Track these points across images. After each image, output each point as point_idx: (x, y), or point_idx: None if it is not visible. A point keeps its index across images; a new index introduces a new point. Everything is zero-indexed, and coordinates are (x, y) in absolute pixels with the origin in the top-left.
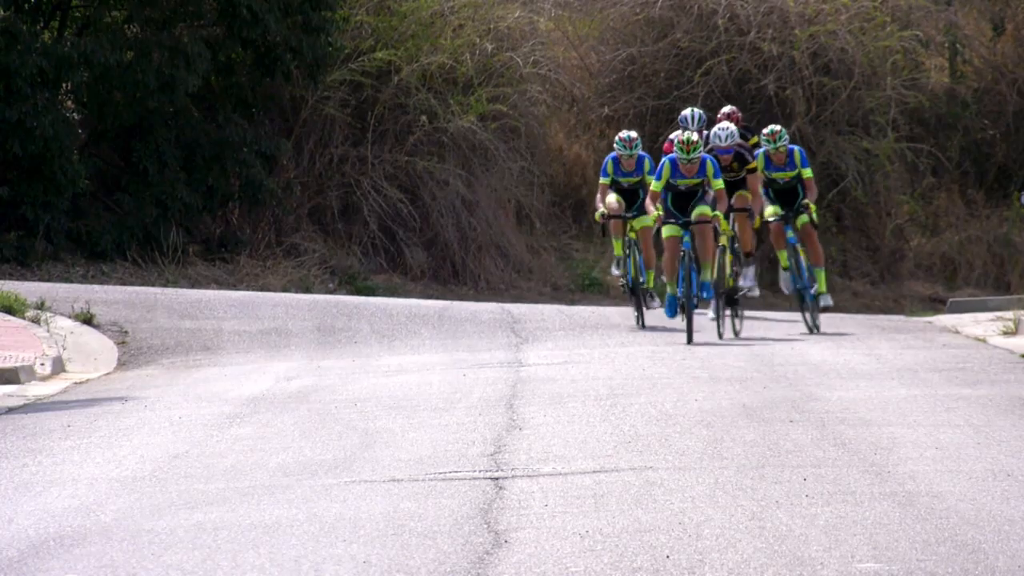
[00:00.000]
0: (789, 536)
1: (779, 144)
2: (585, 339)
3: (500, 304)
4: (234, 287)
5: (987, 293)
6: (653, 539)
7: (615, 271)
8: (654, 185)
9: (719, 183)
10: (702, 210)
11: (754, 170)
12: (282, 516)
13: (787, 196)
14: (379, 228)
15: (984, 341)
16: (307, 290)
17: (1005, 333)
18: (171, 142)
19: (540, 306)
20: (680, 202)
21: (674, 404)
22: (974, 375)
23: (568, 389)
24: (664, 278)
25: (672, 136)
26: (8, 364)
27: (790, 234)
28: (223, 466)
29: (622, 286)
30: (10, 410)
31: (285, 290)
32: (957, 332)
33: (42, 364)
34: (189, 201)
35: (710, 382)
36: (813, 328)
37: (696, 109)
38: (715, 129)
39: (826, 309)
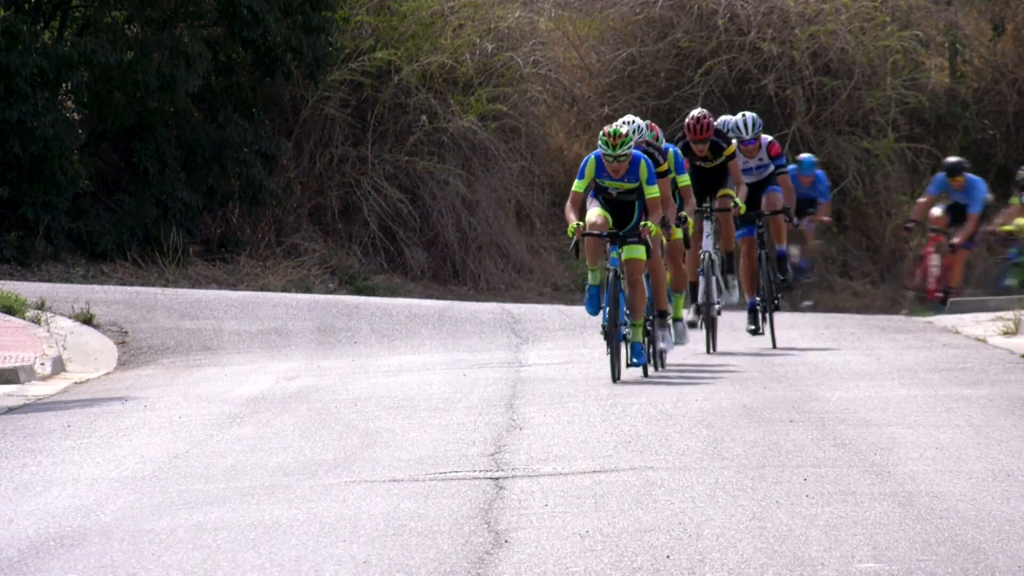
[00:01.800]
0: (789, 536)
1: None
2: (585, 339)
3: (500, 304)
4: (234, 287)
5: (987, 293)
6: (653, 539)
7: (587, 306)
8: (575, 185)
9: (653, 190)
10: (631, 253)
11: (733, 156)
12: (282, 516)
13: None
14: (379, 228)
15: (984, 341)
16: (307, 290)
17: (1005, 333)
18: (171, 142)
19: (540, 306)
20: (614, 213)
21: (674, 404)
22: (974, 375)
23: (568, 389)
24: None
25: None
26: (8, 364)
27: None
28: (223, 466)
29: (603, 332)
30: (10, 410)
31: (285, 290)
32: (957, 332)
33: (42, 364)
34: (189, 201)
35: (710, 382)
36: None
37: (749, 114)
38: (735, 119)
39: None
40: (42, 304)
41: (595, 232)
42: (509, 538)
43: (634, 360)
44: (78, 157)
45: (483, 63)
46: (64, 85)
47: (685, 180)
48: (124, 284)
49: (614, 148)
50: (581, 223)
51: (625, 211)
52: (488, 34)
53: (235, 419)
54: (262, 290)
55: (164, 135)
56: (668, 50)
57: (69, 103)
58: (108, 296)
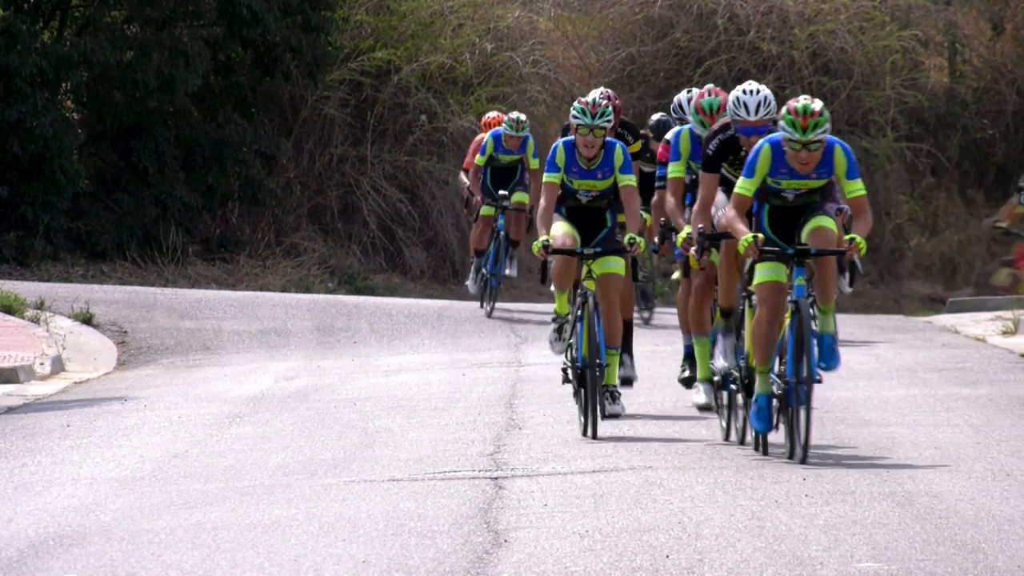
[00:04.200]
0: (788, 536)
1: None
2: None
3: (500, 303)
4: (234, 287)
5: (987, 293)
6: (652, 539)
7: (552, 342)
8: (550, 176)
9: (630, 179)
10: (607, 267)
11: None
12: (281, 516)
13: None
14: (379, 228)
15: (983, 341)
16: (307, 290)
17: (1004, 333)
18: (171, 142)
19: (539, 305)
20: (579, 226)
21: (673, 404)
22: (973, 375)
23: (568, 389)
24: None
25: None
26: (8, 364)
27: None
28: (222, 466)
29: (564, 369)
30: (9, 410)
31: (284, 290)
32: (956, 332)
33: (41, 364)
34: (189, 201)
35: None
36: None
37: (756, 86)
38: (734, 94)
39: None
40: (41, 304)
41: (566, 249)
42: (508, 538)
43: (609, 412)
44: (77, 157)
45: (482, 63)
46: (63, 85)
47: (630, 180)
48: (123, 284)
49: (593, 117)
50: (548, 239)
51: (593, 222)
52: (487, 34)
53: (234, 419)
54: (261, 290)
55: (163, 135)
56: (667, 50)
57: (68, 103)
58: (107, 296)
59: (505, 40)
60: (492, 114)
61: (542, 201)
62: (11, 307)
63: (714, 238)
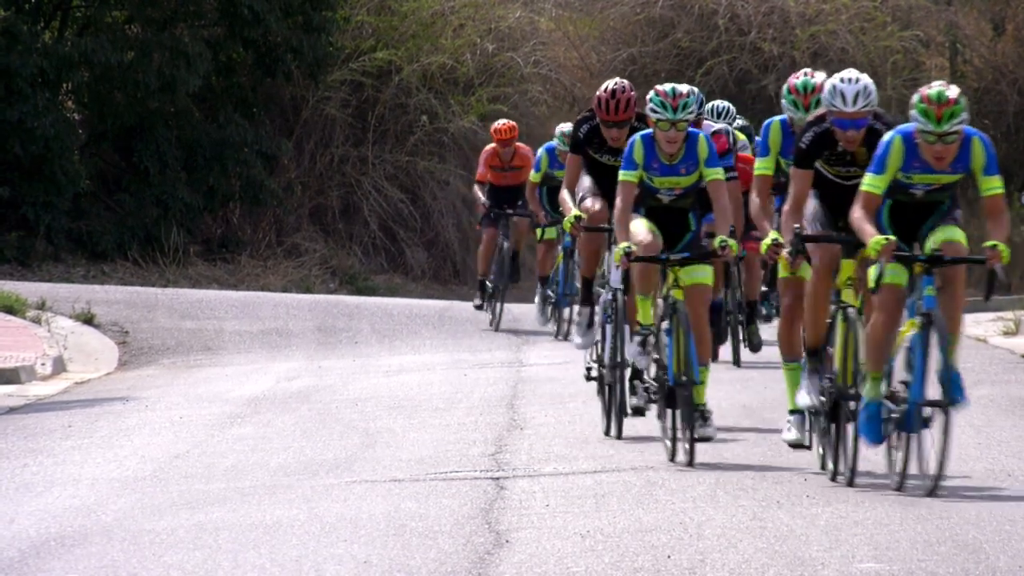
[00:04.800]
0: (790, 536)
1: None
2: None
3: (501, 303)
4: (235, 287)
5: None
6: (654, 539)
7: (637, 357)
8: (626, 175)
9: (717, 172)
10: (694, 277)
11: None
12: (283, 516)
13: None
14: (380, 228)
15: (985, 341)
16: (308, 290)
17: (1006, 333)
18: (172, 142)
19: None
20: (662, 228)
21: None
22: (975, 375)
23: (569, 389)
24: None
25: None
26: (9, 364)
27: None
28: (224, 466)
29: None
30: (11, 410)
31: (286, 290)
32: None
33: (43, 364)
34: (190, 201)
35: (711, 382)
36: None
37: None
38: (831, 81)
39: None
40: (43, 304)
41: (650, 257)
42: (510, 538)
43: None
44: (78, 157)
45: (484, 63)
46: (65, 85)
47: (717, 173)
48: (125, 284)
49: (675, 111)
50: (630, 245)
51: (676, 225)
52: (488, 34)
53: (236, 419)
54: (263, 290)
55: (165, 135)
56: (669, 50)
57: (70, 103)
58: (109, 296)
59: (506, 40)
60: (502, 122)
61: (618, 201)
62: (12, 307)
63: (812, 240)
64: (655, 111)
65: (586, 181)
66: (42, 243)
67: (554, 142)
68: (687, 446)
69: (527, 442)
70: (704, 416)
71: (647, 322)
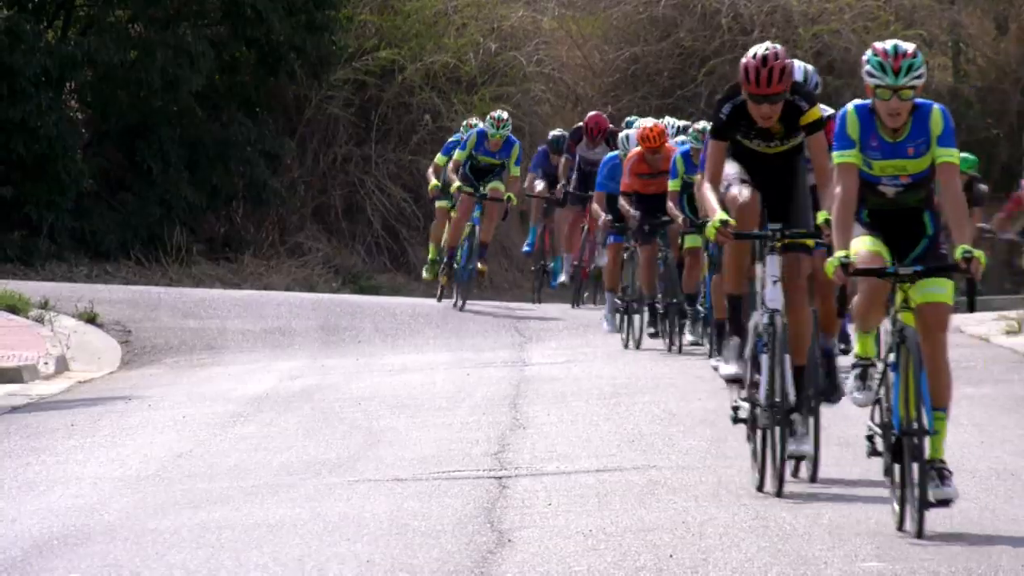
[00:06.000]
0: (793, 535)
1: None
2: (588, 338)
3: (504, 303)
4: (238, 286)
5: (990, 292)
6: (656, 538)
7: (854, 392)
8: (841, 156)
9: (950, 154)
10: (932, 294)
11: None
12: (286, 515)
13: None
14: (383, 227)
15: (987, 340)
16: (311, 289)
17: (1008, 332)
18: (175, 141)
19: (544, 305)
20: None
21: (677, 403)
22: (977, 374)
23: (572, 388)
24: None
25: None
26: (12, 363)
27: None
28: (227, 465)
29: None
30: (14, 409)
31: (289, 289)
32: (960, 331)
33: (46, 363)
34: (193, 200)
35: (713, 381)
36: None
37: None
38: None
39: None
40: (46, 303)
41: (875, 268)
42: (512, 537)
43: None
44: (82, 156)
45: (486, 62)
46: (68, 84)
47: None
48: (128, 283)
49: (896, 75)
50: (848, 255)
51: (905, 229)
52: (491, 33)
53: (239, 418)
54: (266, 289)
55: (168, 134)
56: (671, 49)
57: (73, 102)
58: (112, 295)
59: (509, 40)
60: (648, 123)
61: (837, 189)
62: (15, 307)
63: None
64: (872, 75)
65: (731, 168)
66: (45, 242)
67: (685, 142)
68: (916, 512)
69: (530, 441)
70: (942, 475)
71: (868, 354)
